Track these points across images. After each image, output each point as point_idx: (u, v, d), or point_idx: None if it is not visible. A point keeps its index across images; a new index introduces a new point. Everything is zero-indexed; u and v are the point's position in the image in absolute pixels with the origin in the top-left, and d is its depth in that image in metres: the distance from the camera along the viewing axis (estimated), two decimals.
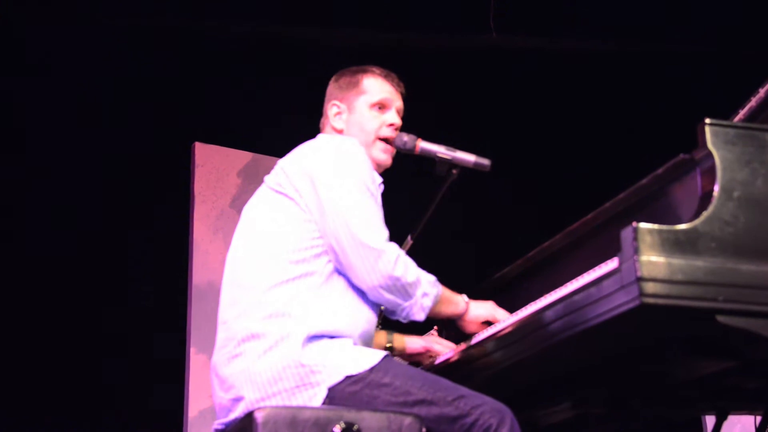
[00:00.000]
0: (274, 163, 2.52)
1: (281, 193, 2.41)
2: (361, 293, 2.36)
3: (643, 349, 2.23)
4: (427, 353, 2.78)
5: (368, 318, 2.38)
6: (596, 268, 2.05)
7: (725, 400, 2.82)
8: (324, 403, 2.18)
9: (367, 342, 2.42)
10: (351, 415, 2.10)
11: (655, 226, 1.90)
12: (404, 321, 2.44)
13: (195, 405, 4.64)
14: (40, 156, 4.62)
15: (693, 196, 2.04)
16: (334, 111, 2.64)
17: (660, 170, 2.20)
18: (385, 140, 2.62)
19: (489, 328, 2.50)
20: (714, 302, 1.88)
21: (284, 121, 4.70)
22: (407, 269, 2.34)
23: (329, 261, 2.35)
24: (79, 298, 4.53)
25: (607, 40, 5.36)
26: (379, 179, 2.50)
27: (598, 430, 2.94)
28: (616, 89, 5.41)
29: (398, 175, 2.78)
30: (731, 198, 1.96)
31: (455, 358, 2.58)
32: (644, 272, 1.85)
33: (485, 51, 5.39)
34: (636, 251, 1.87)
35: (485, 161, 2.70)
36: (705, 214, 1.94)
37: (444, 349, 2.73)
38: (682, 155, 2.11)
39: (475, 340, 2.49)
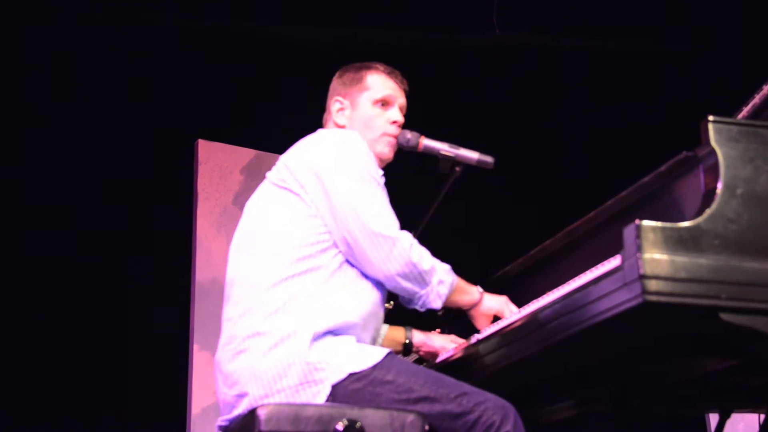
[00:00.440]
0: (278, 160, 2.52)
1: (285, 188, 2.41)
2: (367, 287, 2.36)
3: (646, 347, 2.22)
4: (443, 351, 2.76)
5: (375, 312, 2.39)
6: (599, 266, 2.05)
7: (728, 399, 2.81)
8: (327, 400, 2.19)
9: (373, 337, 2.42)
10: (354, 412, 2.10)
11: (658, 224, 1.89)
12: (421, 309, 2.44)
13: (198, 402, 4.65)
14: (41, 154, 4.62)
15: (696, 194, 2.03)
16: (336, 107, 2.64)
17: (663, 168, 2.20)
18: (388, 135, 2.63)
19: (492, 325, 2.50)
20: (717, 300, 1.87)
21: (287, 119, 4.70)
22: (422, 257, 2.35)
23: (335, 255, 2.35)
24: (82, 296, 4.53)
25: (610, 37, 5.36)
26: (381, 173, 2.50)
27: (600, 429, 2.94)
28: (619, 87, 5.40)
29: (401, 172, 2.78)
30: (734, 195, 1.96)
31: (459, 355, 2.58)
32: (647, 270, 1.85)
33: (489, 48, 5.38)
34: (639, 249, 1.86)
35: (488, 158, 2.70)
36: (708, 212, 1.93)
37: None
38: (685, 153, 2.10)
39: (477, 337, 2.49)
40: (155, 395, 4.58)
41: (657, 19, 5.15)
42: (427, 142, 2.69)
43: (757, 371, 2.37)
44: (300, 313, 2.25)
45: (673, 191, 2.18)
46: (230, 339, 2.33)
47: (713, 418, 4.54)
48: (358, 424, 2.08)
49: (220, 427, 2.35)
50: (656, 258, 1.86)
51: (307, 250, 2.33)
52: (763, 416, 3.07)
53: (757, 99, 2.41)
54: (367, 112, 2.61)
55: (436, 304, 2.39)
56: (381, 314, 2.45)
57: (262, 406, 2.10)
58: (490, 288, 2.66)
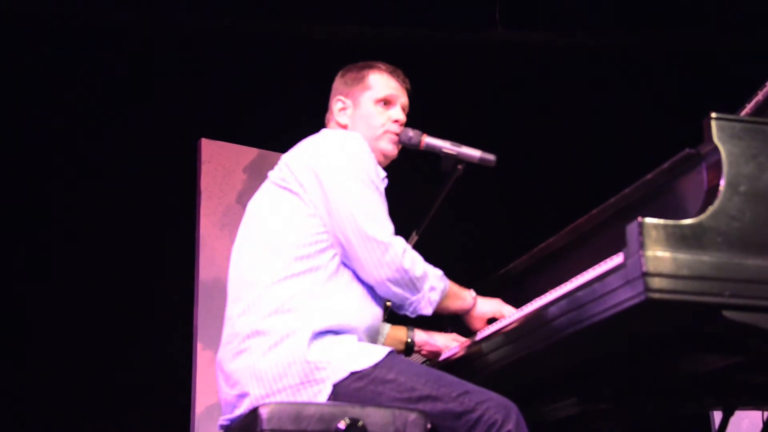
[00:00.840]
0: None
1: (285, 188, 2.41)
2: (366, 288, 2.36)
3: (649, 345, 2.22)
4: (446, 350, 2.75)
5: (374, 313, 2.38)
6: (601, 263, 2.04)
7: (732, 396, 2.80)
8: (329, 399, 2.18)
9: (373, 336, 2.42)
10: (355, 410, 2.10)
11: (661, 221, 1.89)
12: (412, 315, 2.43)
13: (202, 401, 4.65)
14: (42, 152, 4.62)
15: (699, 191, 2.03)
16: (339, 106, 2.64)
17: (666, 165, 2.19)
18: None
19: (495, 323, 2.49)
20: (720, 297, 1.87)
21: (291, 117, 4.70)
22: (414, 263, 2.34)
23: (334, 256, 2.34)
24: (84, 295, 4.54)
25: (612, 34, 5.35)
26: (383, 173, 2.50)
27: (604, 426, 2.93)
28: (622, 83, 5.39)
29: (403, 170, 2.78)
30: (737, 192, 1.95)
31: (461, 353, 2.57)
32: (650, 267, 1.85)
33: (491, 45, 5.37)
34: (641, 246, 1.86)
35: (490, 156, 2.69)
36: (711, 209, 1.93)
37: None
38: (687, 150, 2.10)
39: (480, 335, 2.48)
40: (159, 394, 4.58)
41: (663, 13, 5.13)
42: (429, 140, 2.68)
43: (760, 368, 2.37)
44: (300, 312, 2.25)
45: (676, 188, 2.17)
46: (231, 338, 2.33)
47: (717, 416, 4.54)
48: (360, 423, 2.07)
49: (222, 427, 2.35)
50: (659, 255, 1.86)
51: (306, 250, 2.32)
52: (767, 413, 3.06)
53: (760, 96, 2.41)
54: (370, 112, 2.61)
55: (427, 310, 2.38)
56: (381, 315, 2.44)
57: (264, 405, 2.09)
58: (493, 285, 2.66)
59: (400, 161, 2.71)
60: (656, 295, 1.84)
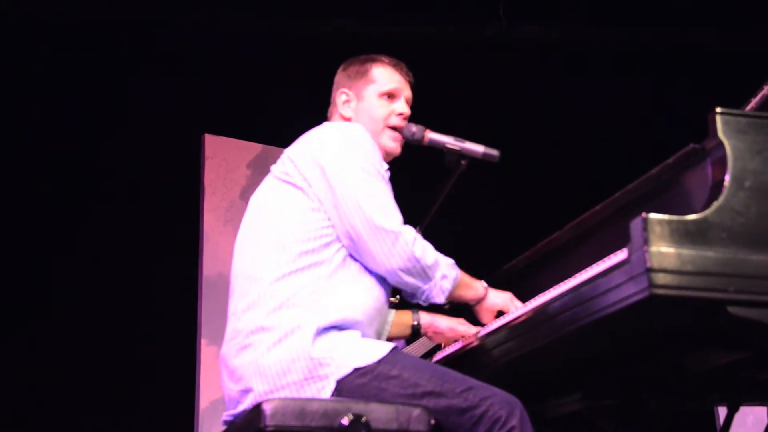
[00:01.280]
0: None
1: (288, 182, 2.40)
2: (371, 281, 2.35)
3: (653, 341, 2.21)
4: (450, 331, 2.73)
5: (379, 306, 2.38)
6: (605, 259, 2.04)
7: (737, 392, 2.80)
8: (333, 395, 2.18)
9: (379, 329, 2.41)
10: (359, 406, 2.10)
11: (665, 217, 1.88)
12: (424, 304, 2.44)
13: (206, 396, 4.66)
14: (44, 150, 4.62)
15: (703, 187, 2.02)
16: (342, 99, 2.64)
17: (670, 160, 2.18)
18: (394, 129, 2.62)
19: (499, 318, 2.49)
20: (725, 293, 1.86)
21: (294, 112, 4.69)
22: (425, 251, 2.33)
23: (339, 249, 2.34)
24: (88, 292, 4.54)
25: (618, 29, 5.33)
26: (386, 167, 2.49)
27: (607, 422, 2.92)
28: (626, 79, 5.37)
29: (406, 166, 2.77)
30: (742, 188, 1.94)
31: (465, 348, 2.57)
32: (654, 263, 1.84)
33: (495, 40, 5.36)
34: (646, 242, 1.85)
35: (494, 152, 2.68)
36: (716, 204, 1.92)
37: (468, 330, 2.67)
38: (692, 145, 2.09)
39: (483, 331, 2.48)
40: (163, 389, 4.58)
41: (668, 7, 5.12)
42: (432, 136, 2.67)
43: (765, 364, 2.36)
44: (304, 308, 2.25)
45: (681, 184, 2.17)
46: (235, 333, 2.33)
47: (722, 411, 4.53)
48: (363, 419, 2.07)
49: (226, 422, 2.35)
50: (663, 251, 1.85)
51: (310, 245, 2.32)
52: None
53: (765, 90, 2.39)
54: (373, 105, 2.60)
55: (439, 299, 2.39)
56: (386, 309, 2.44)
57: (268, 401, 2.09)
58: (498, 281, 2.65)
59: (404, 156, 2.70)
60: (660, 291, 1.84)
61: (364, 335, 2.30)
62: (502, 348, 2.38)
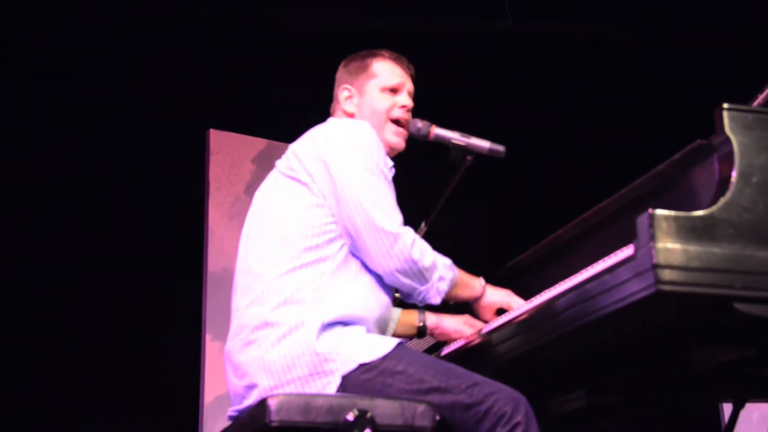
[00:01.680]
0: None
1: (293, 178, 2.40)
2: (375, 277, 2.36)
3: (659, 337, 2.21)
4: (456, 333, 2.73)
5: (383, 302, 2.38)
6: (611, 255, 2.03)
7: (742, 389, 2.79)
8: (338, 391, 2.18)
9: (382, 326, 2.41)
10: (364, 402, 2.09)
11: (672, 213, 1.87)
12: (420, 305, 2.44)
13: (211, 391, 4.66)
14: (47, 147, 4.62)
15: (710, 183, 2.01)
16: (345, 95, 2.63)
17: (677, 156, 2.18)
18: (397, 123, 2.61)
19: (504, 315, 2.48)
20: (731, 289, 1.85)
21: (299, 108, 4.69)
22: (423, 253, 2.33)
23: (343, 246, 2.34)
24: (92, 286, 4.54)
25: (622, 25, 5.32)
26: (390, 162, 2.49)
27: (612, 419, 2.92)
28: (631, 75, 5.36)
29: (412, 161, 2.77)
30: (749, 184, 1.93)
31: (469, 345, 2.57)
32: (660, 259, 1.83)
33: (501, 37, 5.35)
34: (652, 238, 1.85)
35: (500, 147, 2.68)
36: (722, 201, 1.91)
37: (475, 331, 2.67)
38: (699, 141, 2.08)
39: (488, 327, 2.47)
40: (168, 385, 4.59)
41: (673, 3, 5.10)
42: (438, 131, 2.67)
43: None
44: (308, 303, 2.24)
45: (687, 180, 2.16)
46: (240, 329, 2.33)
47: (726, 408, 4.52)
48: (368, 415, 2.07)
49: (231, 417, 2.35)
50: (670, 247, 1.84)
51: (314, 240, 2.32)
52: None
53: None
54: (376, 99, 2.60)
55: (436, 300, 2.39)
56: (390, 305, 2.44)
57: (273, 396, 2.08)
58: (502, 278, 2.65)
59: (409, 152, 2.70)
60: (667, 287, 1.83)
61: (368, 331, 2.31)
62: (507, 344, 2.37)
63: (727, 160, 1.97)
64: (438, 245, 2.44)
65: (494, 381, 2.22)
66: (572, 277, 2.18)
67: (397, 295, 2.53)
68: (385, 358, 2.20)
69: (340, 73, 2.69)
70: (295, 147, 2.47)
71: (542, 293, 2.33)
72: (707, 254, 1.86)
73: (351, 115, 2.61)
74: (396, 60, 2.65)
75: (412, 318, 2.73)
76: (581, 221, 2.62)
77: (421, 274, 2.34)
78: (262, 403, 2.09)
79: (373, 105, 2.60)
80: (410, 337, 2.73)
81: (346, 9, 5.17)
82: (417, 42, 4.88)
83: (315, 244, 2.31)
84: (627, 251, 1.94)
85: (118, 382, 4.47)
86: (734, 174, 1.94)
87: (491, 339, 2.43)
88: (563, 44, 5.43)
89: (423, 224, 2.71)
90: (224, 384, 2.44)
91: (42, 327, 4.42)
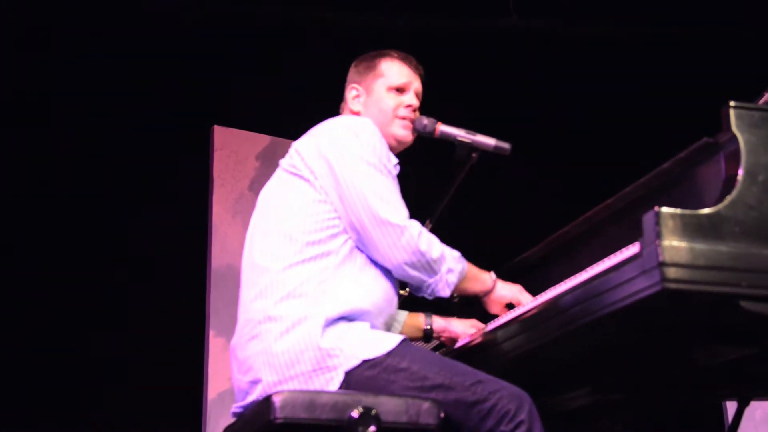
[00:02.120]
0: None
1: (296, 174, 2.41)
2: (381, 272, 2.36)
3: (664, 335, 2.20)
4: (464, 336, 2.73)
5: (388, 298, 2.38)
6: (617, 253, 2.03)
7: (747, 387, 2.79)
8: (341, 387, 2.18)
9: (388, 322, 2.41)
10: (369, 399, 2.09)
11: (678, 211, 1.87)
12: (430, 298, 2.44)
13: (214, 388, 4.66)
14: (49, 145, 4.62)
15: (716, 181, 2.01)
16: (352, 94, 2.66)
17: (683, 154, 2.17)
18: (404, 120, 2.62)
19: (508, 312, 2.48)
20: (737, 288, 1.85)
21: (303, 105, 4.69)
22: (431, 245, 2.33)
23: (346, 241, 2.34)
24: (95, 283, 4.54)
25: (626, 22, 5.31)
26: (395, 160, 2.49)
27: (616, 417, 2.92)
28: (636, 72, 5.35)
29: (417, 158, 2.77)
30: (756, 182, 1.93)
31: (475, 342, 2.56)
32: (666, 257, 1.83)
33: (505, 34, 5.34)
34: (658, 236, 1.84)
35: (505, 145, 2.68)
36: (729, 199, 1.91)
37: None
38: (705, 139, 2.08)
39: (493, 324, 2.47)
40: (171, 381, 4.59)
41: (670, 5, 5.10)
42: (443, 128, 2.67)
43: None
44: (311, 297, 2.25)
45: (693, 178, 2.15)
46: (245, 324, 2.33)
47: (730, 406, 4.52)
48: (373, 412, 2.07)
49: (235, 414, 2.35)
50: (675, 245, 1.84)
51: (317, 235, 2.32)
52: None
53: None
54: (382, 98, 2.62)
55: (445, 292, 2.39)
56: (395, 300, 2.44)
57: (277, 393, 2.09)
58: (508, 274, 2.65)
59: (415, 149, 2.70)
60: (672, 285, 1.83)
61: (373, 327, 2.30)
62: (512, 342, 2.37)
63: (734, 158, 1.96)
64: (443, 242, 2.44)
65: (498, 379, 2.22)
66: (578, 274, 2.18)
67: (402, 293, 2.53)
68: (388, 354, 2.20)
69: (351, 74, 2.71)
70: (298, 144, 2.47)
71: (547, 291, 2.33)
72: (713, 252, 1.86)
73: (357, 114, 2.62)
74: (404, 60, 2.66)
75: (418, 321, 2.73)
76: (587, 219, 2.61)
77: (429, 266, 2.34)
78: (267, 400, 2.09)
79: (379, 104, 2.61)
80: (415, 340, 2.72)
81: (352, 7, 5.16)
82: (422, 38, 4.89)
83: (318, 239, 2.32)
84: (633, 249, 1.93)
85: (121, 377, 4.47)
86: (740, 172, 1.93)
87: (495, 336, 2.43)
88: (568, 40, 5.42)
89: (428, 221, 2.71)
90: (228, 380, 2.44)
91: (43, 327, 4.42)
